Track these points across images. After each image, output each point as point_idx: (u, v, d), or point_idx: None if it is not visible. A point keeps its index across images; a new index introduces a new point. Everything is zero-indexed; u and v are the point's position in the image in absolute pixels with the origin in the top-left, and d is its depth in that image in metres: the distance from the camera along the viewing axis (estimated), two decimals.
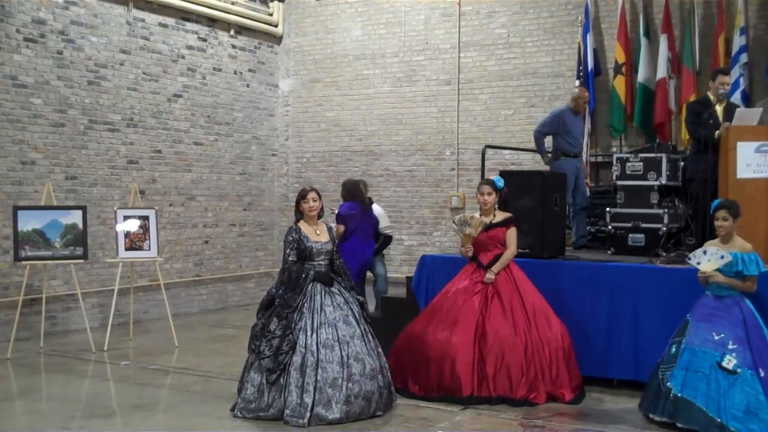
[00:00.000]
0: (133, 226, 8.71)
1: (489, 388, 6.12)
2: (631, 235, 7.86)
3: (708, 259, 5.64)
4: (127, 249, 8.66)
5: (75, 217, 8.37)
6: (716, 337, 5.49)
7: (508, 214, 6.64)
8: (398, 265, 11.47)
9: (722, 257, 5.59)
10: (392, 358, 6.55)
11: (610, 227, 8.00)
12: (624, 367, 6.54)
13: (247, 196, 11.92)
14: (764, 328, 5.58)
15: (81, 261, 8.56)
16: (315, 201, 6.03)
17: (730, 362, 5.38)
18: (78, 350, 8.26)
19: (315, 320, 5.77)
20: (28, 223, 8.14)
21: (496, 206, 6.65)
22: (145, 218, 8.78)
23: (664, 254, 7.30)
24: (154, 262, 9.18)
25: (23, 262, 8.18)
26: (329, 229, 6.18)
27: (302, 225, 6.04)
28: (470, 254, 6.60)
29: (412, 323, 6.66)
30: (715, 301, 5.68)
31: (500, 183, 6.67)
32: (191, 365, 7.65)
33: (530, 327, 6.27)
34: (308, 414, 5.52)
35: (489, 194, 6.59)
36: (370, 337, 5.96)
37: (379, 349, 5.98)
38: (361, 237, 8.21)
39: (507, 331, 6.22)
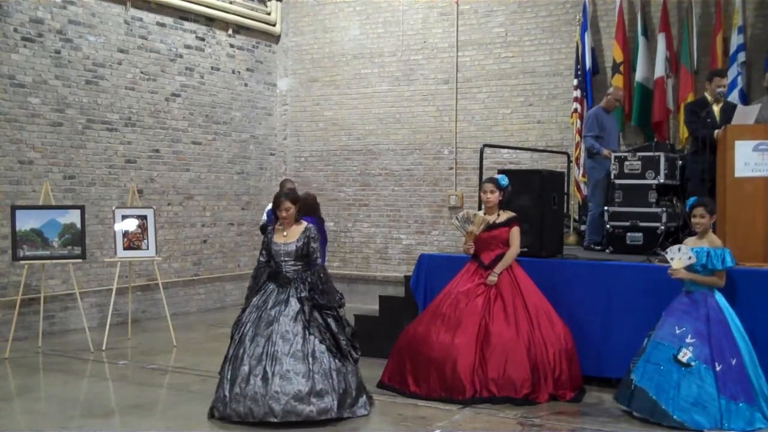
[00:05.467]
0: (131, 225, 8.70)
1: (491, 390, 6.11)
2: (629, 234, 7.87)
3: (680, 257, 5.81)
4: (125, 248, 8.66)
5: (73, 217, 8.37)
6: (677, 331, 5.70)
7: (511, 214, 6.64)
8: (396, 264, 11.47)
9: (689, 258, 5.76)
10: (393, 358, 6.58)
11: (608, 226, 8.01)
12: (622, 365, 6.51)
13: (246, 195, 11.92)
14: (732, 324, 5.71)
15: (79, 260, 8.56)
16: (288, 210, 5.90)
17: (685, 355, 5.59)
18: (76, 350, 8.26)
19: (251, 317, 5.81)
20: (26, 222, 8.14)
21: (500, 205, 6.65)
22: (143, 218, 8.78)
23: (662, 253, 7.30)
24: (152, 262, 9.17)
25: (21, 262, 8.17)
26: (305, 229, 5.95)
27: (278, 227, 6.02)
28: (472, 252, 6.60)
29: (414, 324, 6.65)
30: (685, 297, 5.86)
31: (504, 181, 6.66)
32: (189, 364, 7.65)
33: (533, 328, 6.27)
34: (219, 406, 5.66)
35: (492, 192, 6.59)
36: (299, 343, 5.61)
37: (315, 356, 5.59)
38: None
39: (510, 334, 6.21)
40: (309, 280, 5.85)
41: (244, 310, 5.93)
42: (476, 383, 6.12)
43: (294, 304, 5.76)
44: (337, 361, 5.69)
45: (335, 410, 5.57)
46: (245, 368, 5.55)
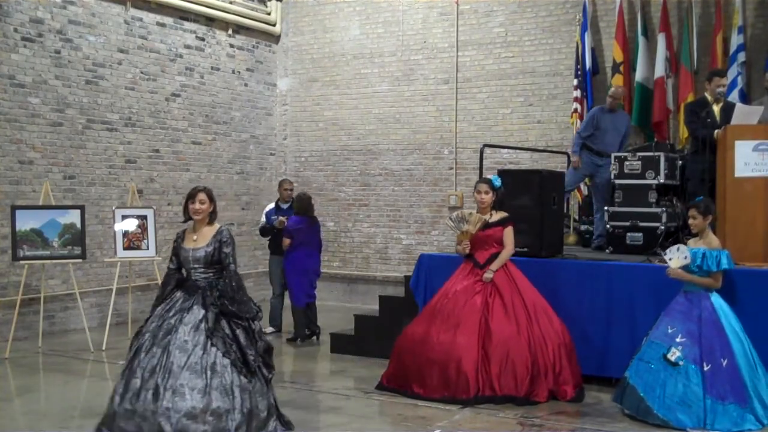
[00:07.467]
0: (131, 225, 8.71)
1: (494, 387, 6.12)
2: (629, 234, 7.88)
3: (677, 256, 5.82)
4: (125, 248, 8.67)
5: (73, 217, 8.37)
6: (669, 331, 5.73)
7: (504, 214, 6.65)
8: (396, 264, 11.47)
9: (685, 257, 5.76)
10: (393, 360, 6.58)
11: (608, 226, 8.01)
12: (622, 365, 6.51)
13: (245, 195, 11.92)
14: (726, 324, 5.69)
15: (79, 260, 8.57)
16: (203, 203, 5.27)
17: (673, 354, 5.61)
18: (76, 350, 8.26)
19: (152, 326, 5.17)
20: (26, 222, 8.14)
21: (493, 205, 6.65)
22: (143, 218, 8.78)
23: (661, 253, 7.30)
24: (152, 262, 9.18)
25: (21, 262, 8.17)
26: (217, 233, 5.28)
27: (189, 229, 5.41)
28: (467, 251, 6.60)
29: (412, 325, 6.64)
30: (683, 297, 5.87)
31: (498, 182, 6.68)
32: None
33: (532, 324, 6.29)
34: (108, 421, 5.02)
35: (486, 193, 6.60)
36: (198, 354, 4.96)
37: (216, 370, 4.94)
38: (306, 250, 8.79)
39: (510, 330, 6.23)
40: (219, 287, 5.21)
41: (147, 320, 5.27)
42: (480, 381, 6.13)
43: (197, 311, 5.11)
44: (242, 377, 5.02)
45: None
46: (137, 381, 4.90)
